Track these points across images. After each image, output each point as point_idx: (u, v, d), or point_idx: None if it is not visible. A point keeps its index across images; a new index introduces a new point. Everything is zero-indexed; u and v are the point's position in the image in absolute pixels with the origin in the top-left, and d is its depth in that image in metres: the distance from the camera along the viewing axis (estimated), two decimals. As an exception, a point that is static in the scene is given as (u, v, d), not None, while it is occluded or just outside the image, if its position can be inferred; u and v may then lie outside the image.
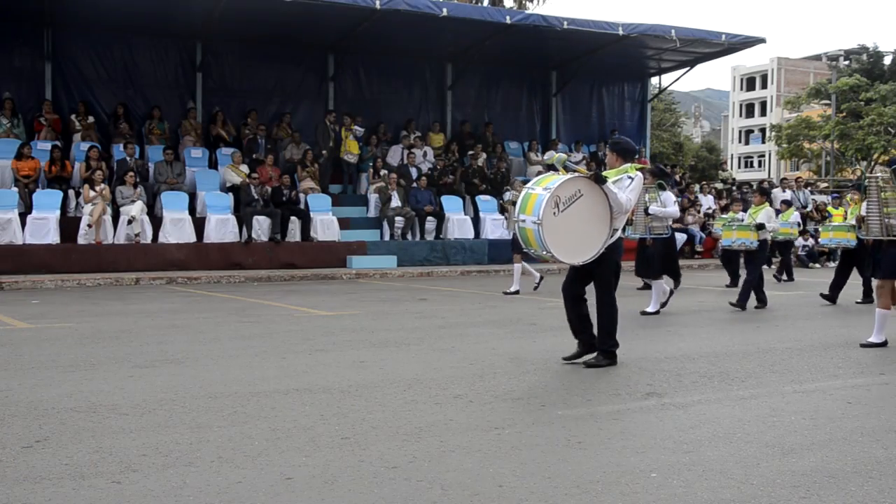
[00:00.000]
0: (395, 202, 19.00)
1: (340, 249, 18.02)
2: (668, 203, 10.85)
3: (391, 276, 16.97)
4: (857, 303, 12.54)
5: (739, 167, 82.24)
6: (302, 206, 18.28)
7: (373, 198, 19.75)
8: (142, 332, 9.07)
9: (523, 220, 6.57)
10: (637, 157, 8.64)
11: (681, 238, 21.41)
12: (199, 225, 17.25)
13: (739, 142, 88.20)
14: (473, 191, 20.67)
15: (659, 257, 11.00)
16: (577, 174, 6.75)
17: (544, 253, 6.59)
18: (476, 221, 20.03)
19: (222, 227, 17.33)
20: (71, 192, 16.85)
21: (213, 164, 19.07)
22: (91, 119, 18.59)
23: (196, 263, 16.45)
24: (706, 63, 24.54)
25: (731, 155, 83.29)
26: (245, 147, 19.37)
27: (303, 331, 9.36)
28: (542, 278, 13.85)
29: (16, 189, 16.39)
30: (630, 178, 6.97)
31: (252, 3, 17.47)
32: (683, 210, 22.46)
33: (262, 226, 17.50)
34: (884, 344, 8.28)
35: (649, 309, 10.81)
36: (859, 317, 11.05)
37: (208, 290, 14.05)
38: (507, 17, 19.93)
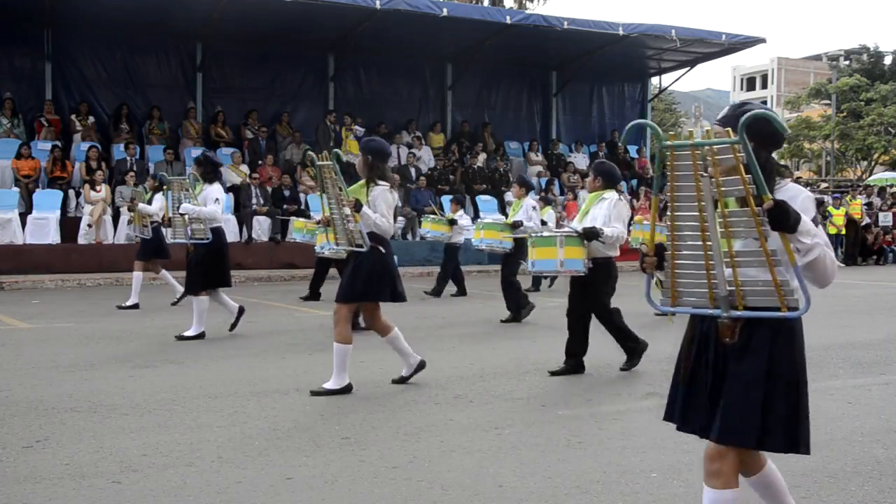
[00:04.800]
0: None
1: (340, 249, 17.99)
2: (207, 200, 8.57)
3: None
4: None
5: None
6: (302, 205, 18.27)
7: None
8: (142, 332, 9.07)
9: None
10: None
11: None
12: (199, 225, 17.24)
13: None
14: (473, 191, 20.66)
15: (200, 267, 8.63)
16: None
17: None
18: (476, 222, 19.99)
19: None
20: (71, 193, 16.84)
21: (213, 165, 19.05)
22: (91, 119, 18.59)
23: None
24: (706, 63, 24.55)
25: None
26: (247, 147, 19.37)
27: (303, 331, 9.36)
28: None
29: (16, 189, 16.39)
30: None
31: (252, 3, 17.47)
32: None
33: (262, 226, 17.51)
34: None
35: (188, 333, 8.58)
36: (860, 317, 11.06)
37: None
38: (508, 17, 19.92)
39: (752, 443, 2.90)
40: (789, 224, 2.70)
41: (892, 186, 29.43)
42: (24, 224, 15.80)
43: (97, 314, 10.59)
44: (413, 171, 20.38)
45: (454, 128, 23.05)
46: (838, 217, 22.07)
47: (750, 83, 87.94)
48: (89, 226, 15.99)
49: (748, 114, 2.70)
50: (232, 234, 17.33)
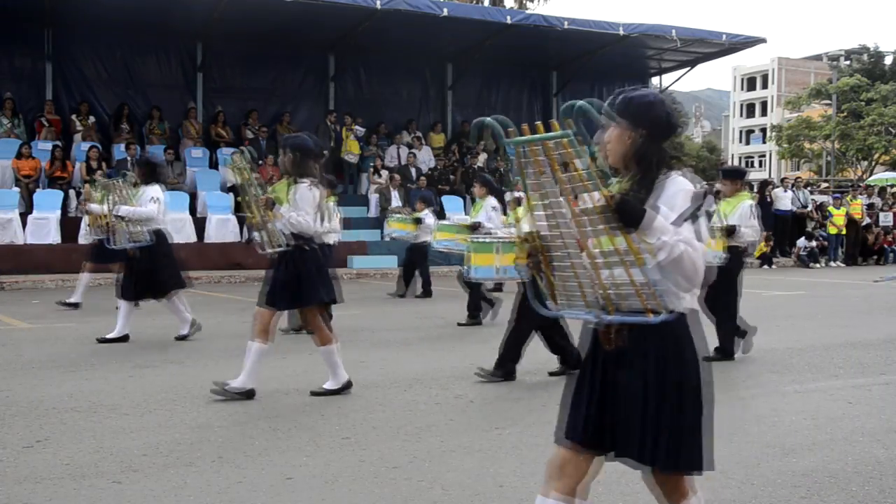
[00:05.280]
0: (395, 202, 19.00)
1: (341, 249, 17.91)
2: (143, 201, 8.31)
3: (391, 276, 16.94)
4: None
5: (740, 167, 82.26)
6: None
7: (373, 198, 19.75)
8: (142, 332, 9.06)
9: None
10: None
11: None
12: (200, 225, 17.25)
13: (740, 142, 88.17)
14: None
15: (140, 272, 8.36)
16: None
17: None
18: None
19: (223, 228, 17.33)
20: (72, 192, 16.85)
21: (213, 165, 19.07)
22: (92, 119, 18.60)
23: (196, 263, 16.39)
24: (707, 63, 24.54)
25: (732, 155, 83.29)
26: (248, 147, 19.37)
27: (303, 331, 9.34)
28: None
29: (17, 189, 16.39)
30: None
31: (252, 2, 17.47)
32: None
33: (262, 226, 17.50)
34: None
35: (110, 335, 8.37)
36: (860, 317, 11.05)
37: (209, 290, 14.04)
38: (508, 17, 19.91)
39: (644, 461, 2.71)
40: (626, 221, 2.50)
41: (892, 186, 29.40)
42: (24, 224, 15.81)
43: (97, 314, 10.58)
44: (413, 171, 20.39)
45: (454, 128, 23.05)
46: (839, 217, 22.04)
47: (750, 83, 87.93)
48: (90, 226, 15.98)
49: (568, 104, 2.59)
50: (232, 234, 17.36)
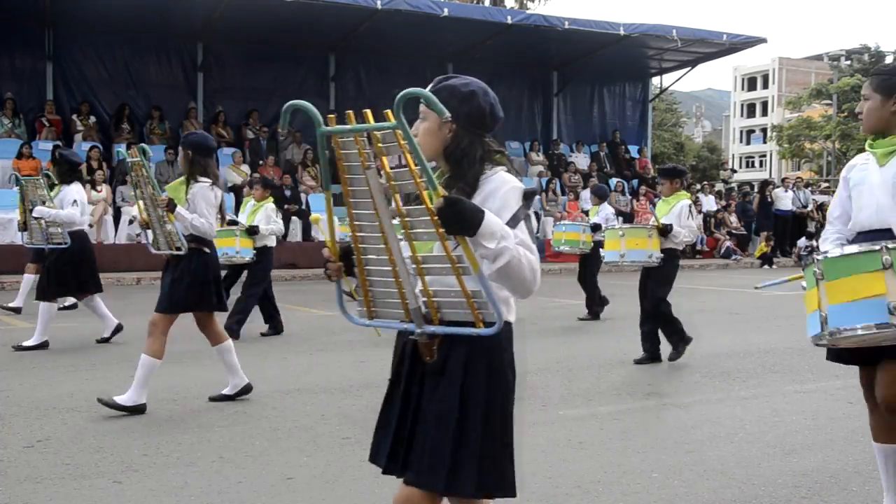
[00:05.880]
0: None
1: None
2: (64, 203, 7.97)
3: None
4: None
5: (741, 167, 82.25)
6: (303, 205, 18.28)
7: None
8: (143, 332, 9.05)
9: None
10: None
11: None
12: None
13: (741, 142, 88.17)
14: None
15: (56, 272, 8.01)
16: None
17: None
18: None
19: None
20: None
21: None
22: (92, 119, 18.61)
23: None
24: (707, 63, 24.55)
25: (733, 155, 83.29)
26: (248, 147, 19.38)
27: (303, 331, 9.36)
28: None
29: (17, 189, 16.38)
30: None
31: (253, 3, 17.47)
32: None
33: (262, 226, 17.50)
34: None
35: (28, 342, 7.98)
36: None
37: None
38: (508, 17, 19.93)
39: (440, 486, 2.43)
40: (464, 226, 2.20)
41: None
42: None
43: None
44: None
45: (455, 128, 23.05)
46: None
47: (751, 83, 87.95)
48: (90, 226, 15.99)
49: (403, 92, 2.22)
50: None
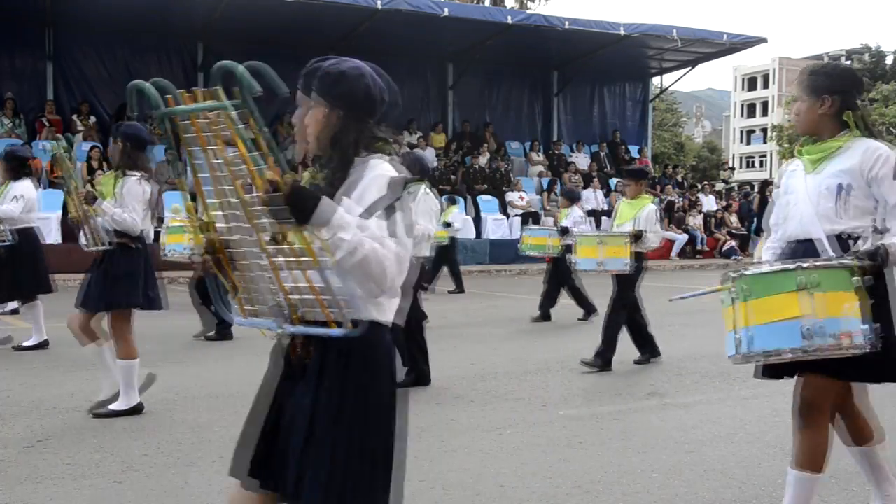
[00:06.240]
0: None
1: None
2: (5, 198, 7.87)
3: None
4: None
5: (741, 167, 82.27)
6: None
7: (374, 198, 19.76)
8: (143, 332, 9.05)
9: None
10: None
11: (682, 239, 21.41)
12: (200, 225, 17.26)
13: (741, 142, 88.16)
14: (475, 191, 20.68)
15: (4, 274, 7.87)
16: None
17: None
18: (477, 221, 20.02)
19: (223, 228, 17.35)
20: (72, 192, 16.86)
21: (214, 165, 19.09)
22: (93, 119, 18.61)
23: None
24: (708, 63, 24.57)
25: (733, 155, 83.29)
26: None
27: (304, 331, 9.34)
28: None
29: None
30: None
31: (253, 3, 17.47)
32: (684, 211, 22.49)
33: (263, 226, 17.51)
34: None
35: (27, 343, 8.05)
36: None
37: (210, 290, 14.03)
38: (509, 17, 19.93)
39: (302, 496, 2.22)
40: (297, 213, 2.02)
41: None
42: (25, 224, 15.80)
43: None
44: (414, 171, 20.39)
45: (455, 128, 23.06)
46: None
47: (751, 83, 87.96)
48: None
49: (217, 65, 2.04)
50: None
